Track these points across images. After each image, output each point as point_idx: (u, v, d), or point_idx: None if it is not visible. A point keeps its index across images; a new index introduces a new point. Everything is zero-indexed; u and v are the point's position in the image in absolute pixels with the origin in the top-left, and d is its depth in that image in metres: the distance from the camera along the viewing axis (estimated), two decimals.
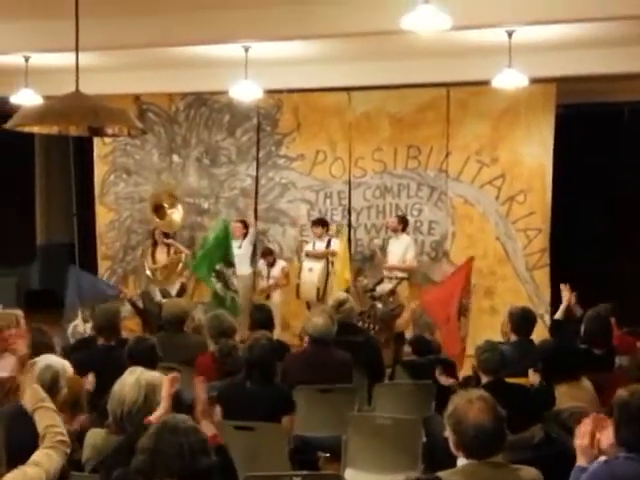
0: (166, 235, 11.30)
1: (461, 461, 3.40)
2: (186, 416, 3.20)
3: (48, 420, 3.64)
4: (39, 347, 5.15)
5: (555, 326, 7.14)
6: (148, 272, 11.32)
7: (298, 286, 10.82)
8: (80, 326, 9.32)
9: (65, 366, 4.51)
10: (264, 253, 11.29)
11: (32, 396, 3.75)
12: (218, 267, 10.32)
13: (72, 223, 14.72)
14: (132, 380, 4.02)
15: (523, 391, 5.26)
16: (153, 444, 3.03)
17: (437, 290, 9.83)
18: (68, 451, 3.64)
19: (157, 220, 11.29)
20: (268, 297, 10.90)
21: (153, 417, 3.81)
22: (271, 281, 11.05)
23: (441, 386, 5.88)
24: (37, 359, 4.25)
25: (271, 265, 11.10)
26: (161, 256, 11.23)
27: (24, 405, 3.77)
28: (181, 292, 10.83)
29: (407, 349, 9.80)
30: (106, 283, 11.26)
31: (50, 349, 5.34)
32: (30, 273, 15.47)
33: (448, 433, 3.44)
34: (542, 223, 10.83)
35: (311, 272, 10.69)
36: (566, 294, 7.28)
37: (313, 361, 6.26)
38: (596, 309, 6.59)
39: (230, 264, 10.38)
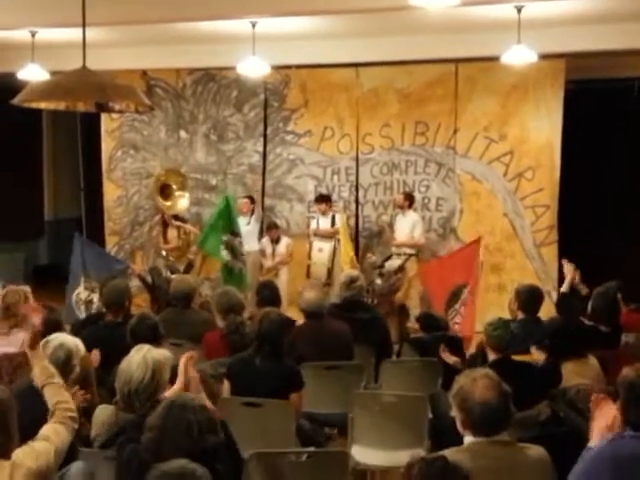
0: (175, 217, 11.28)
1: (468, 440, 3.41)
2: (193, 395, 3.21)
3: (57, 396, 3.67)
4: (49, 324, 5.18)
5: (562, 300, 7.12)
6: (163, 252, 11.33)
7: (309, 267, 10.84)
8: (82, 293, 9.32)
9: (78, 345, 4.51)
10: (269, 227, 11.27)
11: (42, 372, 3.78)
12: (225, 238, 10.35)
13: (80, 199, 14.77)
14: (139, 358, 4.04)
15: (530, 368, 5.27)
16: (161, 421, 3.05)
17: (436, 266, 9.81)
18: (76, 426, 3.67)
19: (162, 202, 11.26)
20: (277, 275, 10.87)
21: (168, 393, 3.84)
22: (277, 259, 11.06)
23: (448, 363, 5.88)
24: (50, 337, 4.26)
25: (276, 242, 11.10)
26: (172, 237, 11.23)
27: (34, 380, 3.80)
28: (188, 268, 10.83)
29: (413, 325, 9.90)
30: (113, 258, 11.24)
31: (59, 326, 5.37)
32: (38, 248, 15.53)
33: (454, 412, 3.45)
34: (550, 200, 10.80)
35: (321, 252, 10.74)
36: (569, 269, 7.26)
37: (310, 334, 6.30)
38: (603, 286, 6.57)
39: (236, 234, 10.41)
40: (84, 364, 5.13)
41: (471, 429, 3.42)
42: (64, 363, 4.36)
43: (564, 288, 7.17)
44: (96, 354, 5.59)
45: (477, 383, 3.41)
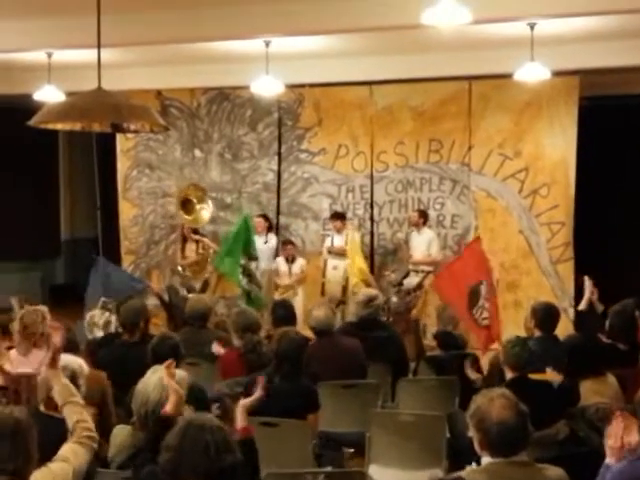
0: (195, 231, 11.27)
1: (485, 460, 3.39)
2: (211, 415, 3.21)
3: (77, 415, 3.68)
4: (65, 344, 5.17)
5: (580, 318, 7.08)
6: (179, 268, 11.31)
7: (323, 284, 10.84)
8: (97, 316, 9.32)
9: (82, 365, 4.48)
10: (284, 242, 11.25)
11: (62, 390, 3.79)
12: (243, 262, 10.36)
13: (96, 218, 14.81)
14: (155, 379, 4.04)
15: (547, 387, 5.23)
16: (179, 442, 3.04)
17: (446, 275, 9.74)
18: (95, 446, 3.67)
19: (184, 216, 11.25)
20: (294, 294, 10.82)
21: (168, 407, 3.83)
22: (293, 278, 11.00)
23: (465, 382, 5.86)
24: None
25: (291, 261, 11.06)
26: (190, 252, 11.20)
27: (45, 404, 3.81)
28: (204, 287, 10.83)
29: (429, 342, 9.87)
30: (133, 277, 11.27)
31: (75, 346, 5.37)
32: (55, 268, 15.59)
33: (472, 432, 3.43)
34: (566, 216, 10.78)
35: (336, 270, 10.73)
36: (588, 285, 7.22)
37: (320, 352, 6.28)
38: (621, 304, 6.53)
39: (253, 258, 10.42)
40: (101, 384, 5.15)
41: (488, 449, 3.39)
42: None
43: (582, 306, 7.13)
44: None
45: (494, 403, 3.39)
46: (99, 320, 9.25)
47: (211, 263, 11.11)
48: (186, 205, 11.31)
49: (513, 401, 3.42)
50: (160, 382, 4.02)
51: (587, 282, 7.26)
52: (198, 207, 11.33)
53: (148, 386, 4.03)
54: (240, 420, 3.93)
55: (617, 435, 3.39)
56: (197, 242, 11.18)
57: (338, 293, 10.68)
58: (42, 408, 3.83)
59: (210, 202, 11.47)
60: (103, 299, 9.51)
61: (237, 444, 3.24)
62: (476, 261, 9.07)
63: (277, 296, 10.34)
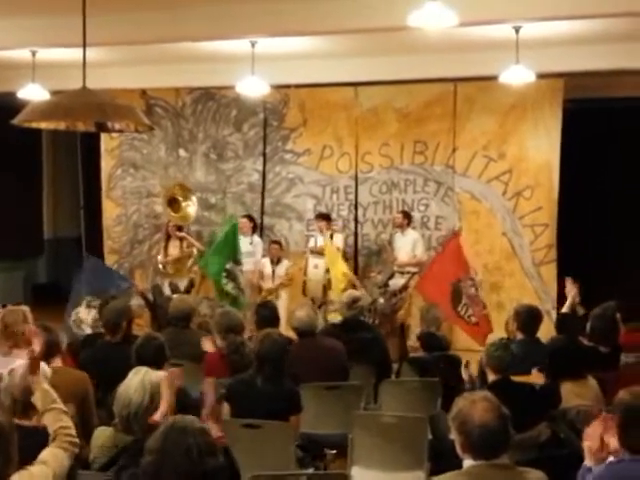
0: (179, 228, 11.25)
1: (467, 463, 3.40)
2: (194, 417, 3.19)
3: (59, 422, 3.67)
4: (47, 346, 5.15)
5: (562, 320, 7.12)
6: (160, 265, 11.27)
7: (304, 283, 10.83)
8: (82, 313, 9.27)
9: (45, 370, 4.28)
10: (272, 243, 11.21)
11: (43, 397, 3.76)
12: (229, 266, 10.32)
13: (79, 217, 14.79)
14: (137, 381, 4.02)
15: (529, 389, 5.25)
16: (161, 445, 3.03)
17: (428, 275, 9.77)
18: (77, 451, 3.66)
19: (171, 214, 11.22)
20: (277, 297, 10.75)
21: (157, 416, 3.82)
22: (277, 281, 10.94)
23: (448, 383, 5.87)
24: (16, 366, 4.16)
25: (276, 263, 11.00)
26: (174, 250, 11.15)
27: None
28: (189, 288, 10.79)
29: (413, 343, 9.89)
30: (118, 275, 11.20)
31: (57, 347, 5.34)
32: (37, 267, 15.54)
33: (453, 435, 3.44)
34: (549, 219, 10.82)
35: (317, 269, 10.72)
36: (571, 288, 7.25)
37: (303, 352, 6.28)
38: (602, 307, 6.56)
39: (238, 262, 10.40)
40: (82, 384, 5.13)
41: (470, 452, 3.40)
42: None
43: (565, 308, 7.17)
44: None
45: (476, 406, 3.40)
46: (87, 317, 9.20)
47: (195, 262, 11.08)
48: (172, 204, 11.29)
49: (495, 404, 3.43)
50: (142, 384, 4.01)
51: (569, 285, 7.29)
52: (184, 204, 11.31)
53: (130, 388, 4.01)
54: (213, 430, 3.90)
55: (596, 437, 3.41)
56: (181, 240, 11.15)
57: (319, 292, 10.69)
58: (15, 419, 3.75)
59: (194, 198, 11.45)
60: (88, 298, 9.46)
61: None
62: (454, 257, 9.15)
63: (259, 300, 10.23)
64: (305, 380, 5.91)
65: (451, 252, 9.31)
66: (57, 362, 5.24)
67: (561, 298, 7.70)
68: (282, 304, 10.26)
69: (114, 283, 9.88)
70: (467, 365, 5.84)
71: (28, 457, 3.37)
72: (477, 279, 9.42)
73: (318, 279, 10.72)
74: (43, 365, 4.27)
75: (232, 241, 10.41)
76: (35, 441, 3.56)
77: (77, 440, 3.68)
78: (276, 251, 11.07)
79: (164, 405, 3.86)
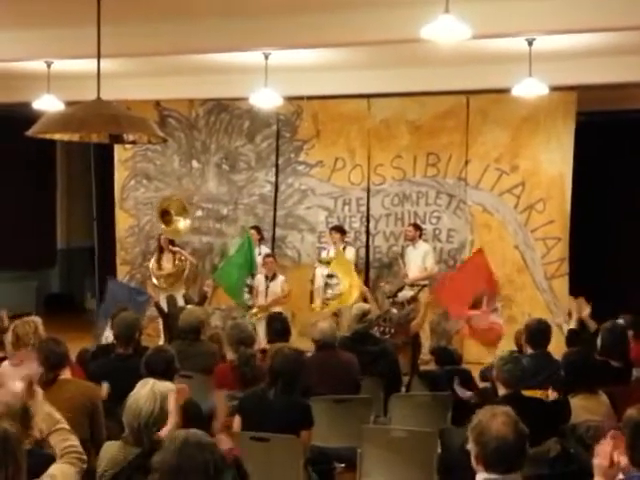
0: (172, 242, 11.19)
1: (480, 476, 3.37)
2: (203, 432, 3.16)
3: (66, 442, 3.67)
4: (54, 358, 5.17)
5: (571, 337, 7.09)
6: (153, 279, 11.20)
7: (312, 292, 10.79)
8: (110, 336, 9.33)
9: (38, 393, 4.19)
10: (266, 256, 10.83)
11: (47, 419, 3.76)
12: (249, 282, 10.30)
13: (92, 228, 14.81)
14: (146, 391, 4.02)
15: (539, 404, 5.24)
16: (176, 462, 2.98)
17: (449, 282, 9.76)
18: (84, 467, 3.66)
19: (163, 227, 11.20)
20: None
21: (163, 432, 3.80)
22: (269, 298, 10.52)
23: (458, 398, 5.86)
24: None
25: (271, 279, 10.60)
26: (167, 263, 11.07)
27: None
28: (202, 300, 10.73)
29: (423, 357, 9.86)
30: (136, 289, 11.20)
31: (65, 359, 5.35)
32: (50, 277, 15.59)
33: (470, 445, 3.42)
34: (561, 232, 10.79)
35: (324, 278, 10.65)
36: (582, 306, 7.24)
37: (321, 364, 6.32)
38: (611, 321, 6.54)
39: (254, 276, 10.41)
40: (92, 396, 5.14)
41: (484, 464, 3.37)
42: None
43: (572, 324, 7.15)
44: (105, 388, 5.56)
45: (496, 419, 3.38)
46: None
47: (197, 276, 11.04)
48: (164, 216, 11.23)
49: (514, 420, 3.41)
50: (152, 394, 4.00)
51: (573, 303, 7.29)
52: (175, 219, 11.24)
53: (140, 399, 4.01)
54: (224, 443, 3.89)
55: (606, 454, 3.39)
56: (174, 253, 11.10)
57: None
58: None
59: (189, 216, 11.34)
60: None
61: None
62: (481, 273, 9.14)
63: (247, 319, 9.82)
64: (319, 392, 5.91)
65: (476, 267, 9.32)
66: (66, 374, 5.25)
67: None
68: None
69: (131, 299, 9.93)
70: (461, 382, 5.84)
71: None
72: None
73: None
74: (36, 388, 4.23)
75: (249, 254, 10.43)
76: (33, 463, 3.54)
77: (85, 457, 3.69)
78: (271, 265, 10.68)
79: (171, 422, 3.84)
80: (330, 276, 10.41)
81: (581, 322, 7.09)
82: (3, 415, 3.42)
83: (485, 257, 9.50)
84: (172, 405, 3.89)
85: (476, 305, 8.96)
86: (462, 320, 9.12)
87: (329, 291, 10.50)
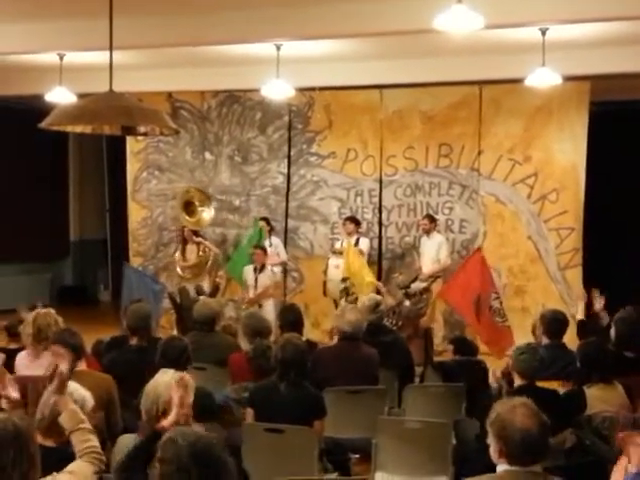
0: (195, 233, 11.26)
1: (501, 468, 3.35)
2: (200, 428, 3.11)
3: (87, 442, 3.68)
4: (71, 349, 5.19)
5: (581, 327, 7.06)
6: (178, 270, 11.31)
7: (325, 283, 10.77)
8: None
9: (86, 398, 4.23)
10: (255, 247, 10.56)
11: (70, 418, 3.77)
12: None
13: (105, 219, 14.88)
14: (167, 379, 4.04)
15: (554, 395, 5.22)
16: (186, 460, 2.94)
17: (452, 283, 9.77)
18: (103, 467, 3.68)
19: (186, 218, 11.27)
20: (260, 306, 10.12)
21: (166, 423, 3.80)
22: (258, 290, 10.32)
23: (473, 389, 5.85)
24: None
25: (260, 270, 10.39)
26: (191, 255, 11.17)
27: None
28: (215, 291, 10.75)
29: (437, 347, 9.87)
30: (152, 279, 11.25)
31: (82, 350, 5.37)
32: (63, 269, 15.65)
33: (490, 440, 3.38)
34: (575, 222, 10.75)
35: (337, 269, 10.58)
36: (596, 299, 7.22)
37: (343, 356, 6.32)
38: (626, 311, 6.50)
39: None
40: (107, 388, 5.16)
41: (508, 457, 3.33)
42: None
43: (579, 315, 7.14)
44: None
45: (516, 411, 3.34)
46: None
47: (219, 266, 11.08)
48: (188, 207, 11.31)
49: (535, 410, 3.38)
50: (171, 382, 4.02)
51: (582, 293, 7.26)
52: (199, 210, 11.32)
53: (159, 385, 4.03)
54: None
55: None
56: (198, 244, 11.15)
57: (338, 293, 10.63)
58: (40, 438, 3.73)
59: (211, 205, 11.45)
60: None
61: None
62: (478, 272, 9.15)
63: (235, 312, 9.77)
64: (338, 384, 5.91)
65: (474, 267, 9.33)
66: (82, 365, 5.28)
67: (587, 304, 7.60)
68: (267, 316, 8.67)
69: (149, 288, 9.98)
70: (495, 372, 5.81)
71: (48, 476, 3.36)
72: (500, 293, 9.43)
73: (339, 279, 10.62)
74: (86, 393, 4.25)
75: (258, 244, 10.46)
76: (56, 461, 3.54)
77: (104, 458, 3.70)
78: (260, 256, 10.41)
79: (174, 412, 3.85)
80: (344, 279, 10.36)
81: (589, 313, 7.06)
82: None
83: (481, 256, 9.48)
84: (174, 396, 3.89)
85: (480, 305, 9.00)
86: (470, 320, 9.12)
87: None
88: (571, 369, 5.88)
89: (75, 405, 3.87)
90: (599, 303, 7.19)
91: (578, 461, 4.38)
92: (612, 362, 5.62)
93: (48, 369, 4.63)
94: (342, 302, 9.95)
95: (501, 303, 9.22)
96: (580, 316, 7.16)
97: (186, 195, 11.42)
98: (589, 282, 10.42)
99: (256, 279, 10.35)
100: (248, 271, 10.46)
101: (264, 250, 10.51)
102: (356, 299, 9.46)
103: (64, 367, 3.99)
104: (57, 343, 5.29)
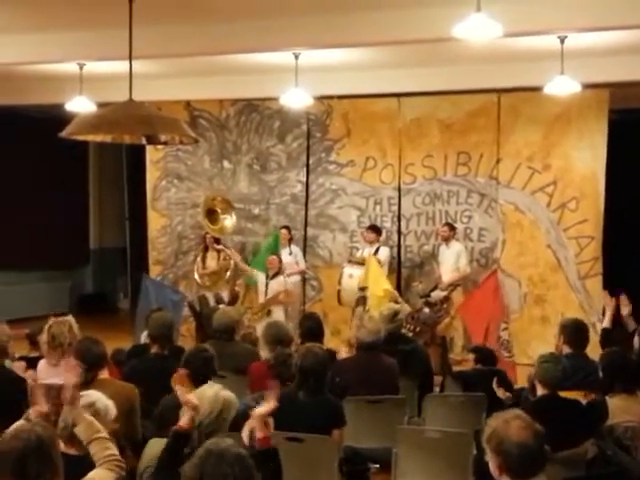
0: (217, 241, 11.33)
1: None
2: (231, 441, 3.12)
3: (106, 450, 3.69)
4: (92, 358, 5.21)
5: (605, 336, 7.00)
6: (197, 276, 11.36)
7: (339, 292, 10.76)
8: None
9: (109, 407, 4.24)
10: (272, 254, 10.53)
11: (86, 429, 3.78)
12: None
13: (125, 228, 14.93)
14: (211, 393, 4.09)
15: (576, 405, 5.19)
16: (199, 475, 2.94)
17: (471, 300, 9.81)
18: (124, 474, 3.69)
19: (209, 225, 11.33)
20: (269, 313, 10.07)
21: (183, 421, 3.85)
22: (269, 295, 10.20)
23: (493, 398, 5.82)
24: (83, 393, 4.18)
25: (272, 277, 10.25)
26: (211, 262, 11.26)
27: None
28: (234, 300, 10.77)
29: (455, 357, 9.85)
30: (171, 289, 11.29)
31: (103, 359, 5.39)
32: (83, 277, 15.72)
33: (489, 457, 3.36)
34: (594, 231, 10.69)
35: (351, 278, 10.55)
36: (623, 305, 7.16)
37: (363, 367, 6.31)
38: None
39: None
40: (129, 397, 5.17)
41: (508, 472, 3.30)
42: None
43: (605, 323, 7.08)
44: None
45: (511, 424, 3.32)
46: None
47: (234, 274, 11.11)
48: (211, 215, 11.37)
49: (529, 421, 3.36)
50: (215, 397, 4.11)
51: (608, 299, 7.19)
52: (222, 217, 11.37)
53: (203, 398, 4.12)
54: (258, 430, 3.91)
55: None
56: (219, 252, 11.22)
57: (354, 302, 10.62)
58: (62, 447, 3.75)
59: (233, 213, 11.51)
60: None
61: (258, 458, 3.19)
62: (492, 296, 9.21)
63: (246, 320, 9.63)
64: (360, 393, 5.90)
65: (489, 288, 9.38)
66: (105, 374, 5.30)
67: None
68: None
69: (168, 298, 10.00)
70: (498, 383, 5.80)
71: None
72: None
73: (352, 288, 10.58)
74: (109, 402, 4.27)
75: (274, 251, 10.47)
76: (78, 470, 3.55)
77: (124, 465, 3.71)
78: (273, 263, 10.29)
79: (189, 410, 3.89)
80: (361, 289, 10.31)
81: (615, 320, 7.01)
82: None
83: (496, 278, 9.50)
84: (180, 396, 3.93)
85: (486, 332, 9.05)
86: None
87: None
88: (592, 379, 5.84)
89: (89, 415, 3.88)
90: (627, 309, 7.12)
91: (600, 472, 4.36)
92: (635, 372, 5.58)
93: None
94: (358, 310, 9.98)
95: (509, 335, 9.22)
96: (607, 324, 7.10)
97: (209, 202, 11.46)
98: (609, 291, 10.37)
99: (267, 285, 10.28)
100: (261, 277, 10.42)
101: (279, 257, 10.46)
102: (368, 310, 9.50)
103: (74, 379, 3.99)
104: (73, 354, 5.32)
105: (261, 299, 10.36)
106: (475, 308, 9.29)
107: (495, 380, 5.83)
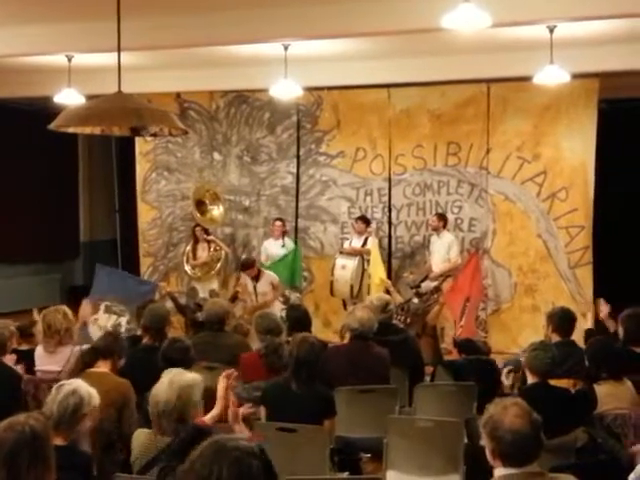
0: (207, 232, 11.33)
1: (498, 472, 3.34)
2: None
3: None
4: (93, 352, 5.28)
5: (588, 336, 7.01)
6: (187, 268, 11.36)
7: (332, 283, 10.76)
8: (102, 320, 9.34)
9: (92, 394, 4.18)
10: (244, 265, 10.37)
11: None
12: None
13: (115, 220, 14.90)
14: (166, 381, 4.08)
15: (565, 393, 5.21)
16: (198, 467, 2.90)
17: (454, 285, 9.94)
18: None
19: (198, 216, 11.33)
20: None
21: (207, 417, 3.86)
22: (260, 298, 10.13)
23: (485, 387, 5.84)
24: (66, 382, 4.16)
25: (256, 279, 10.18)
26: (202, 253, 11.28)
27: None
28: (233, 300, 10.54)
29: (447, 346, 9.86)
30: (139, 280, 11.16)
31: (105, 352, 5.45)
32: (73, 270, 15.67)
33: (484, 441, 3.39)
34: (584, 220, 10.71)
35: (344, 269, 10.59)
36: (601, 307, 7.24)
37: (354, 355, 6.31)
38: (632, 308, 6.50)
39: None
40: (123, 392, 5.18)
41: (501, 458, 3.32)
42: (72, 412, 4.04)
43: (589, 324, 7.14)
44: None
45: (507, 411, 3.34)
46: (106, 323, 9.27)
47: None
48: (200, 206, 11.36)
49: (526, 410, 3.37)
50: (169, 384, 4.06)
51: (591, 305, 7.28)
52: (210, 208, 11.38)
53: (159, 388, 4.07)
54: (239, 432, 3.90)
55: None
56: (209, 243, 11.23)
57: (346, 293, 10.64)
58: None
59: (221, 204, 11.51)
60: (106, 303, 9.51)
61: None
62: (472, 276, 9.31)
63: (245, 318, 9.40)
64: (349, 384, 5.91)
65: (468, 270, 9.47)
66: (104, 367, 5.36)
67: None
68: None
69: (135, 291, 9.78)
70: (508, 373, 5.81)
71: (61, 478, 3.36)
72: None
73: (345, 280, 10.61)
74: (92, 390, 4.21)
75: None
76: (66, 459, 3.54)
77: None
78: (251, 272, 10.21)
79: (218, 406, 3.89)
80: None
81: (598, 322, 7.07)
82: None
83: (476, 260, 9.57)
84: (221, 390, 3.93)
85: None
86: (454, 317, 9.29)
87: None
88: (582, 367, 5.87)
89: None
90: (603, 311, 7.19)
91: (590, 459, 4.38)
92: (620, 359, 5.61)
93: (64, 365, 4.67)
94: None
95: (486, 316, 9.30)
96: (589, 325, 7.17)
97: (197, 194, 11.45)
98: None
99: (255, 287, 10.20)
100: (246, 280, 10.34)
101: (252, 265, 10.28)
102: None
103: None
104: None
105: (251, 302, 10.24)
106: (455, 287, 9.38)
107: (506, 368, 5.82)
